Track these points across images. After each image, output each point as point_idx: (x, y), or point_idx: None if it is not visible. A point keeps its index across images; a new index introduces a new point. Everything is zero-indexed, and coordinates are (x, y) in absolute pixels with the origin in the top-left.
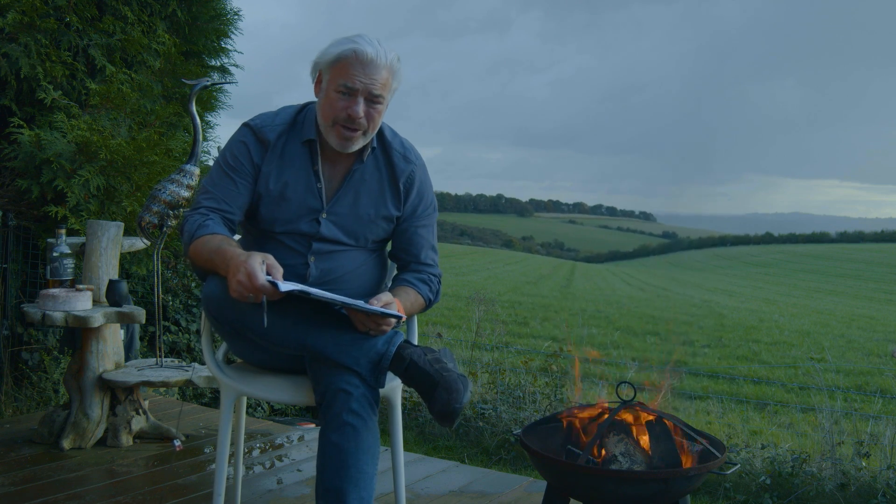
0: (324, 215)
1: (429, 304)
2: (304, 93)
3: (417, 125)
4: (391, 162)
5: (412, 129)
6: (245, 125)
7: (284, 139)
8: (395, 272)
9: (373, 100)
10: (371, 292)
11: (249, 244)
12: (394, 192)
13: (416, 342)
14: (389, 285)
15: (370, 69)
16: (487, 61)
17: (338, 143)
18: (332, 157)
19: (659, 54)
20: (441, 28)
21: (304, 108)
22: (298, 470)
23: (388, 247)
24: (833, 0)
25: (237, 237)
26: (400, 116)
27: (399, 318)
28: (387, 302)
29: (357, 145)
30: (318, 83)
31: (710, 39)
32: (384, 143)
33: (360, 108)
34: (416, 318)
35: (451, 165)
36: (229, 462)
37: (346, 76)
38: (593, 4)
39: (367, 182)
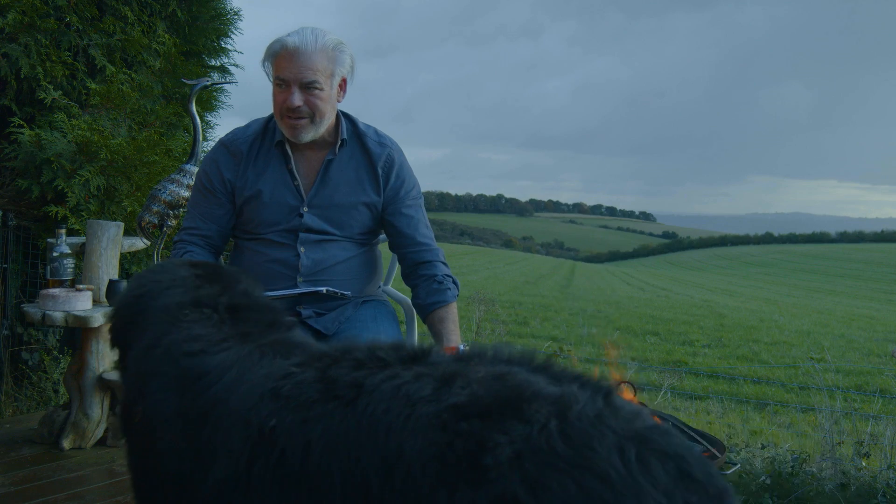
0: (305, 209)
1: (455, 297)
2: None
3: (433, 126)
4: (366, 148)
5: (427, 129)
6: (219, 142)
7: (258, 146)
8: (411, 291)
9: (308, 87)
10: (362, 286)
11: (241, 245)
12: (372, 177)
13: (415, 341)
14: (404, 298)
15: (298, 58)
16: (514, 66)
17: (289, 134)
18: (306, 153)
19: (683, 60)
20: (476, 36)
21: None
22: None
23: (379, 246)
24: (849, 8)
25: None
26: (411, 119)
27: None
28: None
29: (308, 133)
30: None
31: (733, 47)
32: (358, 133)
33: (296, 98)
34: (415, 318)
35: (459, 165)
36: None
37: (278, 69)
38: (627, 10)
39: (343, 171)
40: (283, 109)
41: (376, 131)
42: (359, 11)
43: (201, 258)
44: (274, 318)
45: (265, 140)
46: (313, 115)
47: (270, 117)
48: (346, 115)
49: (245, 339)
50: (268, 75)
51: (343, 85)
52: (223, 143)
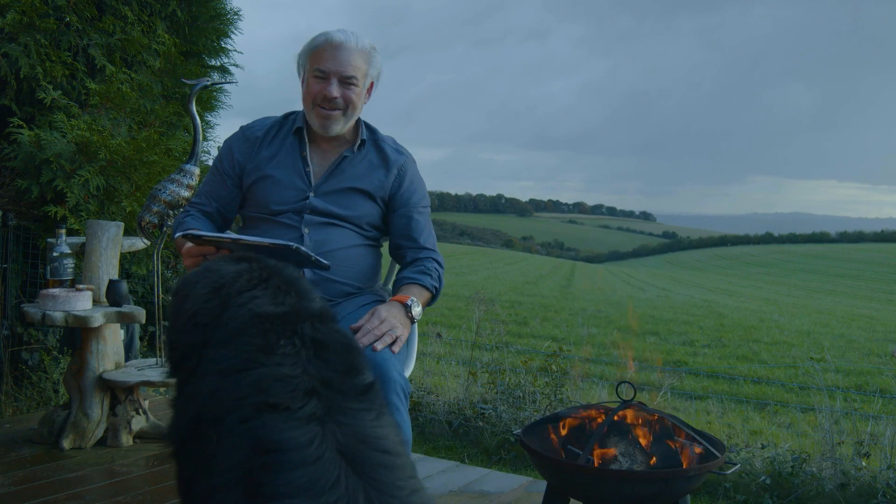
0: (311, 193)
1: (435, 292)
2: None
3: (437, 127)
4: (384, 153)
5: (432, 129)
6: (239, 128)
7: (274, 132)
8: (396, 274)
9: (346, 81)
10: (365, 277)
11: (249, 227)
12: (385, 177)
13: (416, 342)
14: (391, 288)
15: (340, 52)
16: (521, 67)
17: (319, 124)
18: (322, 146)
19: (687, 61)
20: (485, 38)
21: (294, 113)
22: None
23: (387, 245)
24: (852, 12)
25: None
26: (413, 120)
27: (297, 249)
28: (382, 318)
29: (338, 125)
30: (302, 78)
31: (737, 49)
32: (376, 139)
33: (334, 89)
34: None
35: (461, 165)
36: None
37: (319, 61)
38: (636, 12)
39: (356, 168)
40: (319, 98)
41: (395, 141)
42: (369, 13)
43: (198, 220)
44: (353, 360)
45: (282, 128)
46: (346, 108)
47: (290, 112)
48: (367, 124)
49: (323, 397)
50: (300, 67)
51: (370, 89)
52: (241, 128)
